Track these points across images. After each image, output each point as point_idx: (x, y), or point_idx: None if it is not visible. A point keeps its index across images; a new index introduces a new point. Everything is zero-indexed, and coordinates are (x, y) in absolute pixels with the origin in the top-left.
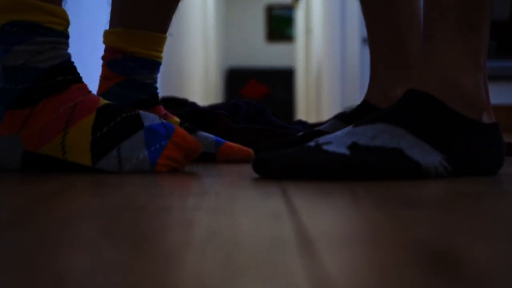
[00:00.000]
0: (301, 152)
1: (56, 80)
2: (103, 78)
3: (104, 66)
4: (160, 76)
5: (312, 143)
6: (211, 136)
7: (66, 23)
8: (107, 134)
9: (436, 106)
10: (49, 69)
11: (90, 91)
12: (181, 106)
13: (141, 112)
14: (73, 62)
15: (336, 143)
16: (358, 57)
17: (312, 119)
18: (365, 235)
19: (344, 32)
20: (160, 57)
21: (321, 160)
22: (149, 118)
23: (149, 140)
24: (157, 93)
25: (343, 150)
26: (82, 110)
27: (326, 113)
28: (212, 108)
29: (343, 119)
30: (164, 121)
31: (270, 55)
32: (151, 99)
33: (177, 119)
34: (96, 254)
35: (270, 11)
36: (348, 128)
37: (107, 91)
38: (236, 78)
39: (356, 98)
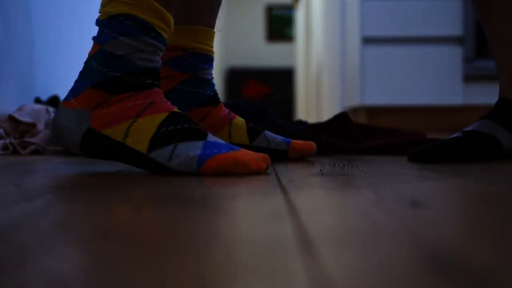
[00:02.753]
0: (447, 140)
1: (145, 81)
2: (164, 78)
3: (161, 66)
4: None
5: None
6: (278, 136)
7: (170, 32)
8: (171, 131)
9: None
10: (143, 69)
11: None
12: None
13: (210, 134)
14: (160, 68)
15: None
16: (358, 57)
17: (312, 119)
18: (365, 235)
19: (344, 32)
20: (213, 52)
21: (441, 143)
22: (216, 138)
23: (207, 147)
24: (216, 90)
25: (458, 134)
26: (156, 108)
27: (326, 113)
28: None
29: (492, 118)
30: (231, 145)
31: (270, 55)
32: (215, 95)
33: (242, 119)
34: (96, 254)
35: (270, 11)
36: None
37: (171, 89)
38: (236, 78)
39: (356, 98)
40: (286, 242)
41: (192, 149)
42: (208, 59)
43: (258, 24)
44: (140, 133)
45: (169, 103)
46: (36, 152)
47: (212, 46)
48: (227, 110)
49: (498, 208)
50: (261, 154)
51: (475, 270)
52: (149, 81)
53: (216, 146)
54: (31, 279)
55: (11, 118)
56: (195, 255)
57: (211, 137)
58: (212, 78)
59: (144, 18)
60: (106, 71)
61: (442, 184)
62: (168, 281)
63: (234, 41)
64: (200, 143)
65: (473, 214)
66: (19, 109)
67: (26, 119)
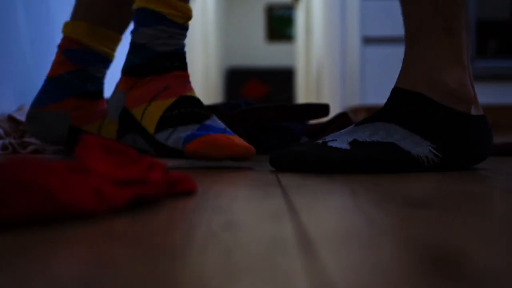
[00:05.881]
0: (309, 148)
1: (164, 64)
2: (57, 63)
3: (59, 52)
4: None
5: (320, 141)
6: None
7: (187, 17)
8: (173, 116)
9: (425, 102)
10: (162, 53)
11: (188, 81)
12: None
13: (214, 116)
14: (184, 52)
15: (339, 140)
16: (358, 57)
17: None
18: (365, 235)
19: (344, 32)
20: (113, 55)
21: (325, 154)
22: (215, 122)
23: (202, 129)
24: (102, 88)
25: (345, 145)
26: (169, 93)
27: None
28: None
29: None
30: (228, 130)
31: (270, 55)
32: (97, 92)
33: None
34: (96, 254)
35: (270, 11)
36: (350, 127)
37: (57, 76)
38: (236, 78)
39: (356, 98)
40: (286, 242)
41: (187, 131)
42: (102, 59)
43: (258, 24)
44: (151, 115)
45: (187, 86)
46: (36, 152)
47: (113, 49)
48: (104, 107)
49: (498, 208)
50: (245, 143)
51: (475, 270)
52: (167, 64)
53: (210, 129)
54: (31, 279)
55: (11, 118)
56: (195, 255)
57: (211, 121)
58: (103, 77)
59: (156, 10)
60: (133, 58)
61: (442, 184)
62: (167, 281)
63: (234, 41)
64: (194, 126)
65: (473, 214)
66: (19, 109)
67: None
